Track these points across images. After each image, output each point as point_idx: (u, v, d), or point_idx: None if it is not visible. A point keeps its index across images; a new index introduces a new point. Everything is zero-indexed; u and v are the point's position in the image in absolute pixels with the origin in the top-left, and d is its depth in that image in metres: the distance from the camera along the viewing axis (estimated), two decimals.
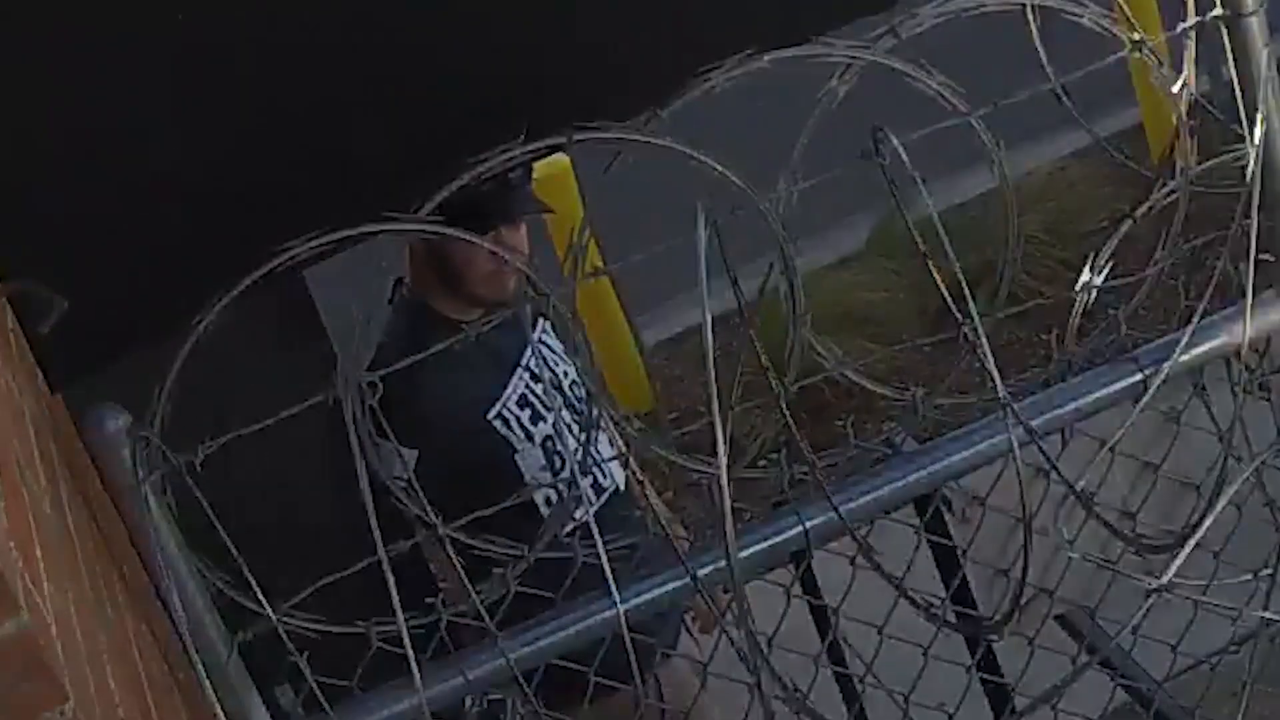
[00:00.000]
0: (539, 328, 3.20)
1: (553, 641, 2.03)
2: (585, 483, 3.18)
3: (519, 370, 3.15)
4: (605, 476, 3.23)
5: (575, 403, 3.18)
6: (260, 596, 1.95)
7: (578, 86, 2.12)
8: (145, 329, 2.00)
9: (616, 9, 2.15)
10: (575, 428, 3.14)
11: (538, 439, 3.13)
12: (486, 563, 1.98)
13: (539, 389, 3.16)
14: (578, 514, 2.88)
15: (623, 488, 3.26)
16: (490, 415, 3.11)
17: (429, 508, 1.94)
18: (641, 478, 2.12)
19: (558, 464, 3.16)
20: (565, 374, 3.20)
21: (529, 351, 3.17)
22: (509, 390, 3.13)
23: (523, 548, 1.99)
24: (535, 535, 2.05)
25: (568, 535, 2.14)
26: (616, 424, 1.99)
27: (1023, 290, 2.33)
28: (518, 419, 3.13)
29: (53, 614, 1.57)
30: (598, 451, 2.87)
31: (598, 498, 3.18)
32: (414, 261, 3.10)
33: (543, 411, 3.15)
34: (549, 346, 3.24)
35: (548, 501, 3.11)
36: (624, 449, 2.00)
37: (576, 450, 3.16)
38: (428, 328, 2.98)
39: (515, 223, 3.01)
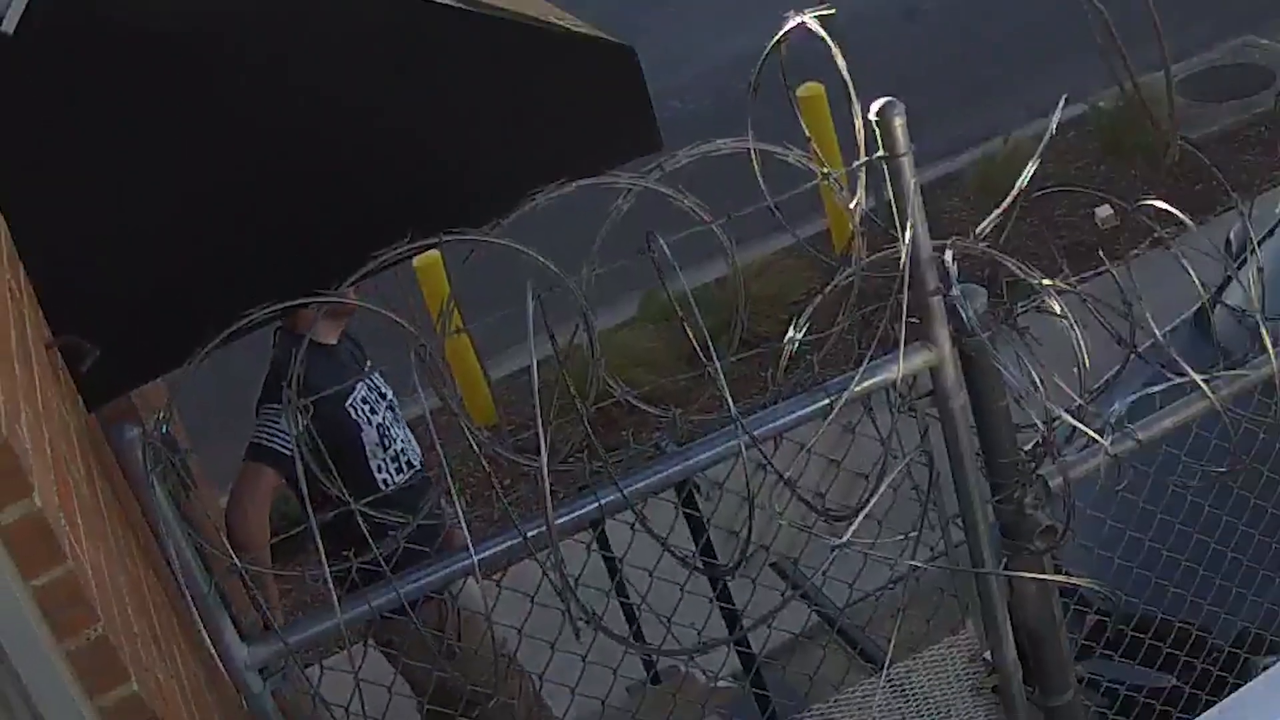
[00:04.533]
0: (368, 364, 4.39)
1: (430, 579, 2.38)
2: (401, 458, 4.29)
3: (360, 382, 4.24)
4: (414, 456, 4.33)
5: (394, 407, 4.29)
6: (231, 553, 2.32)
7: (447, 202, 2.53)
8: (153, 367, 2.40)
9: (475, 153, 2.54)
10: (397, 424, 4.34)
11: (374, 424, 4.25)
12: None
13: (373, 396, 4.28)
14: (399, 479, 4.05)
15: (419, 465, 4.33)
16: (347, 405, 4.22)
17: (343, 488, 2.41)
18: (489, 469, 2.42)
19: (386, 443, 4.27)
20: (387, 387, 4.34)
21: (365, 371, 4.30)
22: (356, 393, 4.23)
23: (408, 517, 2.42)
24: (373, 495, 2.47)
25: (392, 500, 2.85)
26: (471, 432, 2.31)
27: (751, 338, 2.51)
28: (361, 410, 4.24)
29: (89, 562, 1.78)
30: (408, 437, 4.24)
31: (409, 470, 4.27)
32: (292, 316, 3.79)
33: (376, 408, 4.29)
34: (377, 370, 4.35)
35: (380, 468, 4.23)
36: (477, 448, 2.36)
37: (398, 439, 4.37)
38: (306, 350, 3.50)
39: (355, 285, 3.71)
